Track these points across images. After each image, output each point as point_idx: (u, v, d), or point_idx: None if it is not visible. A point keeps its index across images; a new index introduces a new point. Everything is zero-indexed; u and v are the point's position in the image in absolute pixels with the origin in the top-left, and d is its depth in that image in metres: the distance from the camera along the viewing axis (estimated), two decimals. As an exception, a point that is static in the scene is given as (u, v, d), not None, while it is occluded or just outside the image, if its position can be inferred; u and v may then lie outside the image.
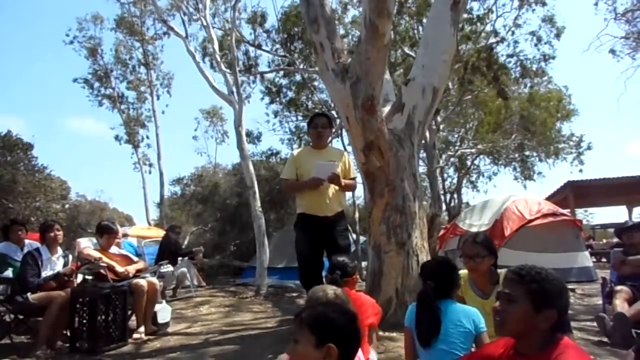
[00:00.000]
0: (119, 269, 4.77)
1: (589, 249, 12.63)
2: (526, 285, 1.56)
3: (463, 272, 2.93)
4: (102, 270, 4.61)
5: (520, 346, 1.60)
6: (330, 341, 1.48)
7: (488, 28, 13.12)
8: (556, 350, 1.49)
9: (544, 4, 12.81)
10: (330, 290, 2.29)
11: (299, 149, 4.85)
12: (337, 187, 4.12)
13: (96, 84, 21.47)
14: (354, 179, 4.40)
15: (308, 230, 4.15)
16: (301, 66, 13.06)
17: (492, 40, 12.81)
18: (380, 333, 3.77)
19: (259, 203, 9.38)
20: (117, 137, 22.02)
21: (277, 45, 13.52)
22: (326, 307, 1.67)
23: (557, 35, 13.35)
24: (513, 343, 1.65)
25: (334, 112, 13.00)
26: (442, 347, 2.22)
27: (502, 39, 13.11)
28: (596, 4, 13.01)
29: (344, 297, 2.29)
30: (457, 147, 19.40)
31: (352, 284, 3.09)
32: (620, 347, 3.62)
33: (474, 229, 10.39)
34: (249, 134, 15.52)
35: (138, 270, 5.03)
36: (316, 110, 13.87)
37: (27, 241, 5.06)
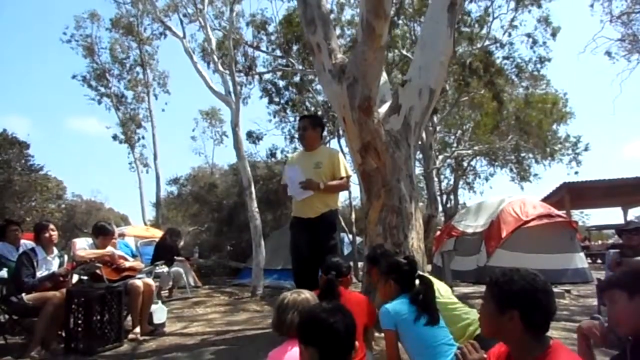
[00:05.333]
0: (118, 253, 4.82)
1: (585, 250, 12.67)
2: (490, 287, 1.63)
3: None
4: (97, 271, 4.59)
5: (510, 349, 1.64)
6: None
7: (484, 30, 13.16)
8: (547, 354, 1.50)
9: (539, 6, 12.86)
10: (302, 294, 2.27)
11: (295, 152, 4.88)
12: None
13: (94, 83, 21.46)
14: (344, 178, 4.29)
15: (295, 232, 4.29)
16: (299, 68, 13.05)
17: (488, 43, 12.85)
18: (376, 334, 3.77)
19: (255, 204, 9.36)
20: (115, 137, 22.01)
21: (274, 46, 13.52)
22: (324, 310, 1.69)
23: (553, 35, 13.38)
24: (506, 348, 1.67)
25: (331, 113, 13.01)
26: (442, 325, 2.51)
27: (499, 43, 13.15)
28: (592, 6, 13.10)
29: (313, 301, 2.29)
30: (453, 148, 19.42)
31: (346, 283, 3.10)
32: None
33: (470, 231, 10.44)
34: (250, 134, 15.51)
35: (133, 270, 5.02)
36: (317, 111, 13.90)
37: (22, 241, 5.03)
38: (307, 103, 15.05)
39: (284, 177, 4.45)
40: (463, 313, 2.84)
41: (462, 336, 2.65)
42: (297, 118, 15.00)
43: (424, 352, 2.41)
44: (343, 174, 4.25)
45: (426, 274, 3.10)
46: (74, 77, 21.29)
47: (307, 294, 2.26)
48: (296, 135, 15.68)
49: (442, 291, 2.95)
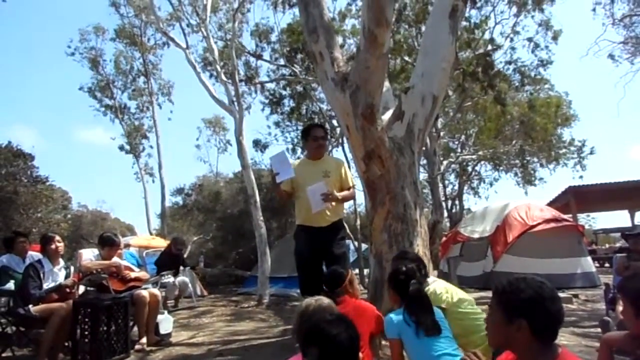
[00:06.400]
0: (124, 263, 4.85)
1: (592, 254, 12.58)
2: (497, 296, 1.61)
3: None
4: (103, 282, 4.61)
5: (518, 358, 1.61)
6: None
7: (486, 36, 13.18)
8: None
9: (542, 10, 12.87)
10: (325, 301, 2.29)
11: (296, 160, 4.84)
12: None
13: (99, 95, 21.63)
14: (352, 188, 4.39)
15: (305, 241, 4.22)
16: (302, 76, 13.11)
17: (489, 47, 12.86)
18: (383, 342, 3.75)
19: (260, 212, 9.38)
20: (121, 148, 22.12)
21: (277, 55, 13.59)
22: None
23: (554, 39, 13.38)
24: (514, 357, 1.65)
25: (334, 121, 13.05)
26: (446, 335, 2.47)
27: (499, 47, 13.16)
28: (594, 10, 13.11)
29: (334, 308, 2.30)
30: (457, 154, 19.40)
31: (346, 290, 3.03)
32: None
33: (476, 236, 10.39)
34: (256, 143, 15.55)
35: (139, 280, 5.03)
36: (317, 120, 13.93)
37: (29, 253, 5.06)
38: (308, 112, 15.11)
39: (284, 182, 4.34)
40: (484, 323, 2.83)
41: (481, 344, 2.63)
42: (306, 126, 15.08)
43: (429, 354, 2.40)
44: (351, 184, 4.35)
45: (436, 283, 3.07)
46: (80, 88, 21.52)
47: (328, 301, 2.27)
48: (299, 145, 15.82)
49: (466, 301, 2.93)
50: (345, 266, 3.64)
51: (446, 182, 22.90)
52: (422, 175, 16.21)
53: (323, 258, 4.08)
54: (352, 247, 11.70)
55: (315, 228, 4.16)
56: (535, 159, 19.61)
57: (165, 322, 5.15)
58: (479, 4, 12.54)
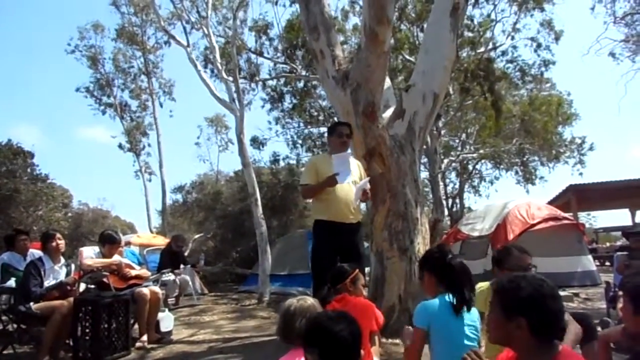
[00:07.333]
0: (125, 261, 4.90)
1: (593, 253, 12.58)
2: (497, 294, 1.62)
3: (484, 284, 2.94)
4: (104, 280, 4.61)
5: (518, 356, 1.61)
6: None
7: (487, 34, 13.19)
8: None
9: (542, 10, 12.87)
10: (308, 301, 2.27)
11: (316, 155, 4.77)
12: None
13: (98, 93, 21.56)
14: None
15: (332, 238, 3.99)
16: (303, 73, 13.11)
17: (490, 46, 12.88)
18: (383, 340, 3.76)
19: (260, 210, 9.37)
20: (120, 146, 22.07)
21: (279, 53, 13.60)
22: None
23: (556, 39, 13.40)
24: (514, 354, 1.65)
25: (335, 119, 13.06)
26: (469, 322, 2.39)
27: (501, 51, 13.22)
28: (592, 8, 13.09)
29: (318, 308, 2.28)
30: (458, 152, 19.40)
31: (346, 288, 2.98)
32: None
33: (476, 234, 10.38)
34: (254, 140, 15.55)
35: (140, 278, 5.03)
36: (320, 117, 13.94)
37: (30, 251, 5.07)
38: (310, 109, 15.12)
39: (307, 176, 4.22)
40: None
41: None
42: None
43: (454, 352, 2.33)
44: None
45: (483, 283, 3.07)
46: (77, 89, 21.43)
47: (312, 300, 2.27)
48: (299, 142, 15.83)
49: None
50: (362, 265, 3.61)
51: (447, 180, 22.90)
52: (423, 174, 16.21)
53: (345, 254, 3.89)
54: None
55: (347, 224, 4.01)
56: (536, 158, 19.61)
57: (166, 320, 5.15)
58: (480, 2, 12.57)
